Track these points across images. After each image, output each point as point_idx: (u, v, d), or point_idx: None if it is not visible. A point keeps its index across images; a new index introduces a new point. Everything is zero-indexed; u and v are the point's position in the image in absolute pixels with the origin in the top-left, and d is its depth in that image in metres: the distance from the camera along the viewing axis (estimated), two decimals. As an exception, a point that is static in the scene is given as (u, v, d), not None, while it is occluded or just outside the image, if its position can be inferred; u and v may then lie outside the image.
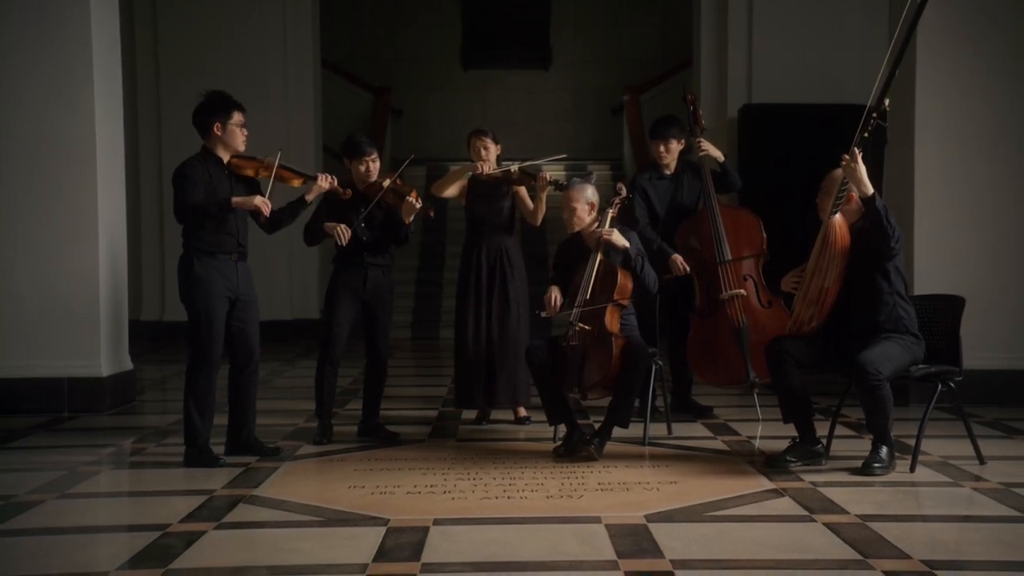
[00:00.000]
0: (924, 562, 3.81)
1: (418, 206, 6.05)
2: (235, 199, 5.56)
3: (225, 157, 5.66)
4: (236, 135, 5.64)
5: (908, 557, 3.87)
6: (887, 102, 5.25)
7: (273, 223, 5.82)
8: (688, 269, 6.72)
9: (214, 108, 5.61)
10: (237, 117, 5.64)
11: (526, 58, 18.18)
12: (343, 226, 6.00)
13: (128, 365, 7.83)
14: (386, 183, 6.11)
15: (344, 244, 6.03)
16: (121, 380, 7.65)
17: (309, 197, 5.85)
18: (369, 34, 17.75)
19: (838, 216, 5.29)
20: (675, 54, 16.19)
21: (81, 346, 7.35)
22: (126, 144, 8.01)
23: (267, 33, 12.38)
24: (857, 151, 5.13)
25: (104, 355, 7.42)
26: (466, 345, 6.67)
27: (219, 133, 5.60)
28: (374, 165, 6.20)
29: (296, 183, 5.86)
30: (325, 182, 5.88)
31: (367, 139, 6.32)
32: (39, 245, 7.35)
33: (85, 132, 7.36)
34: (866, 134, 5.19)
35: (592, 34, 18.14)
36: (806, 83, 10.58)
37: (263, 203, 5.60)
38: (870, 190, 5.11)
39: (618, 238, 5.81)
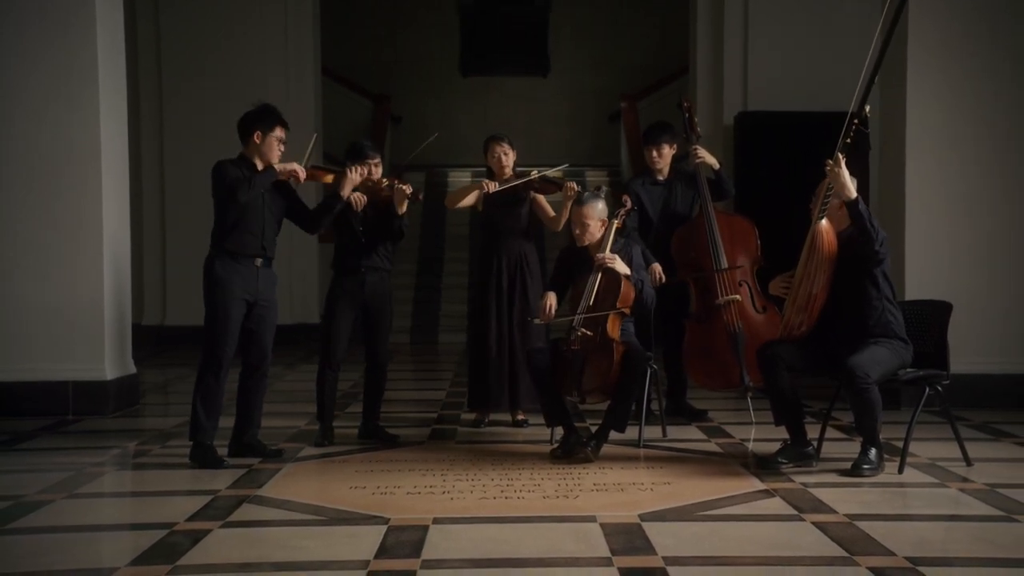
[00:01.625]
0: (909, 559, 3.93)
1: (408, 190, 6.16)
2: (278, 165, 5.77)
3: (260, 165, 5.81)
4: (273, 147, 5.80)
5: (893, 554, 4.00)
6: (868, 108, 5.39)
7: (313, 220, 6.11)
8: (665, 279, 6.81)
9: (260, 118, 5.78)
10: (279, 132, 5.81)
11: (524, 65, 18.34)
12: (358, 193, 6.10)
13: (131, 369, 7.94)
14: (385, 183, 6.24)
15: (359, 210, 6.13)
16: (125, 383, 7.77)
17: (344, 192, 6.03)
18: (368, 40, 17.88)
19: (824, 222, 5.41)
20: (672, 61, 16.31)
21: (85, 350, 7.46)
22: (128, 147, 8.13)
23: (268, 38, 12.50)
24: (840, 156, 5.26)
25: (108, 359, 7.52)
26: (486, 351, 6.74)
27: (257, 141, 5.77)
28: (376, 169, 6.30)
29: (328, 179, 6.06)
30: (356, 174, 6.04)
31: (370, 143, 6.41)
32: (43, 248, 7.46)
33: (89, 135, 7.48)
34: (848, 140, 5.33)
35: (590, 41, 18.28)
36: (802, 91, 10.68)
37: (300, 168, 5.81)
38: (853, 194, 5.24)
39: (620, 266, 5.92)
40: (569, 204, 6.69)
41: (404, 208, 6.23)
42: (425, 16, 18.23)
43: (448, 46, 18.28)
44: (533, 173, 6.79)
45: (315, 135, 6.04)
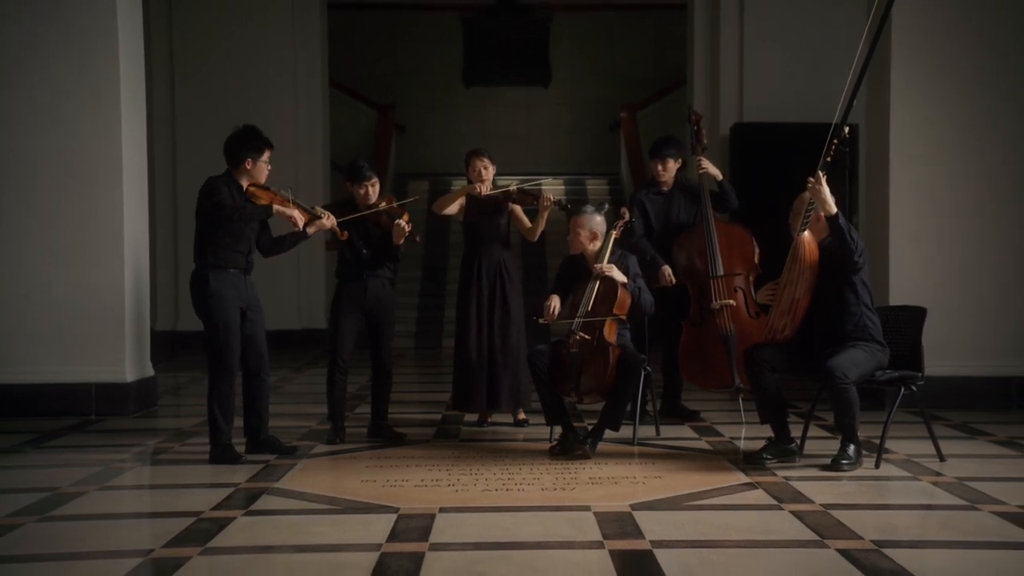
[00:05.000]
0: (874, 542, 4.30)
1: (407, 229, 6.51)
2: (276, 207, 6.09)
3: (244, 184, 6.16)
4: (263, 170, 6.15)
5: (861, 538, 4.36)
6: (847, 129, 5.77)
7: (272, 247, 6.38)
8: (675, 281, 7.17)
9: (248, 144, 6.10)
10: (267, 155, 6.15)
11: (525, 75, 18.60)
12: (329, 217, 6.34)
13: (150, 371, 8.30)
14: (383, 206, 6.60)
15: (342, 238, 6.40)
16: (144, 385, 8.13)
17: (311, 231, 6.33)
18: (372, 51, 18.18)
19: (807, 233, 5.79)
20: (671, 72, 16.65)
21: (107, 353, 7.84)
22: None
23: (277, 50, 12.89)
24: (821, 174, 5.64)
25: (128, 362, 7.90)
26: (468, 352, 7.10)
27: (249, 167, 6.11)
28: (373, 189, 6.67)
29: (304, 219, 6.28)
30: (328, 221, 6.31)
31: (368, 164, 6.76)
32: (70, 258, 7.83)
33: (112, 152, 7.86)
34: (829, 158, 5.71)
35: (590, 52, 18.58)
36: (795, 103, 10.97)
37: (300, 215, 6.12)
38: (833, 209, 5.61)
39: (617, 274, 6.28)
40: (545, 214, 7.08)
41: (401, 243, 6.58)
42: (428, 28, 18.54)
43: (450, 57, 18.60)
44: (512, 186, 7.16)
45: (290, 187, 6.34)
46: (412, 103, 18.21)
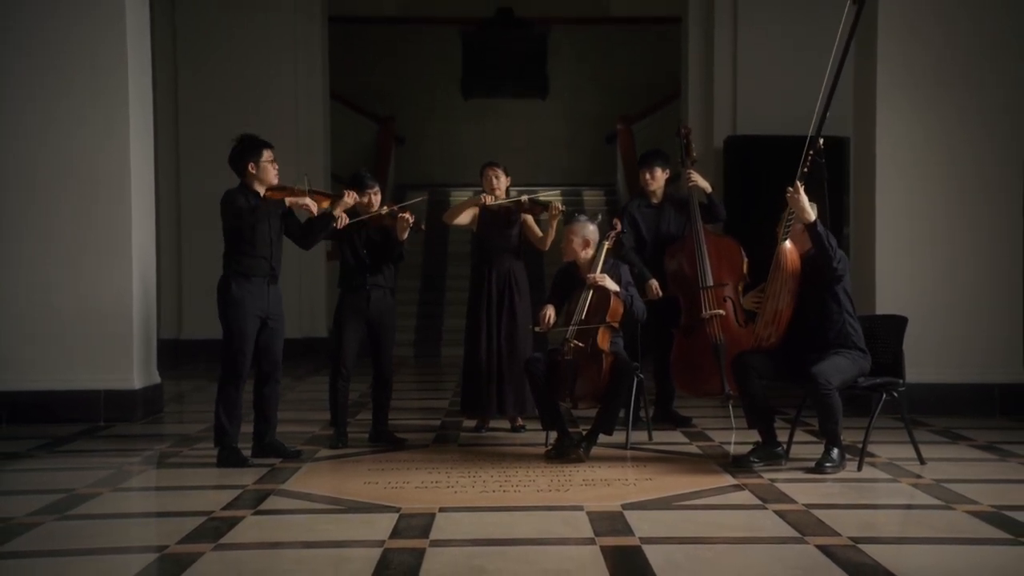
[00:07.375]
0: (851, 538, 4.53)
1: (410, 219, 6.75)
2: (288, 199, 6.32)
3: (261, 191, 6.38)
4: (268, 171, 6.38)
5: (839, 535, 4.59)
6: (822, 141, 6.04)
7: (307, 235, 6.59)
8: (661, 293, 7.40)
9: (246, 150, 6.35)
10: (267, 154, 6.38)
11: (524, 87, 18.88)
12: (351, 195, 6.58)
13: (156, 379, 8.53)
14: (384, 211, 6.84)
15: (340, 227, 6.59)
16: (151, 392, 8.36)
17: (337, 211, 6.54)
18: (373, 64, 18.43)
19: (788, 243, 6.03)
20: (667, 84, 16.87)
21: (115, 361, 8.06)
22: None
23: (278, 62, 13.19)
24: (799, 184, 5.89)
25: (136, 369, 8.12)
26: (477, 359, 7.34)
27: (254, 171, 6.34)
28: (375, 197, 6.92)
29: (325, 204, 6.54)
30: (350, 198, 6.57)
31: (370, 174, 7.03)
32: (78, 265, 8.04)
33: (120, 159, 8.07)
34: (805, 169, 5.97)
35: (587, 65, 18.83)
36: (788, 116, 11.10)
37: (312, 202, 6.35)
38: (812, 218, 5.86)
39: (609, 283, 6.51)
40: (554, 223, 7.32)
41: (405, 236, 6.82)
42: (428, 40, 18.79)
43: (450, 70, 18.84)
44: (523, 197, 7.41)
45: (306, 175, 6.57)
46: (411, 115, 18.44)
